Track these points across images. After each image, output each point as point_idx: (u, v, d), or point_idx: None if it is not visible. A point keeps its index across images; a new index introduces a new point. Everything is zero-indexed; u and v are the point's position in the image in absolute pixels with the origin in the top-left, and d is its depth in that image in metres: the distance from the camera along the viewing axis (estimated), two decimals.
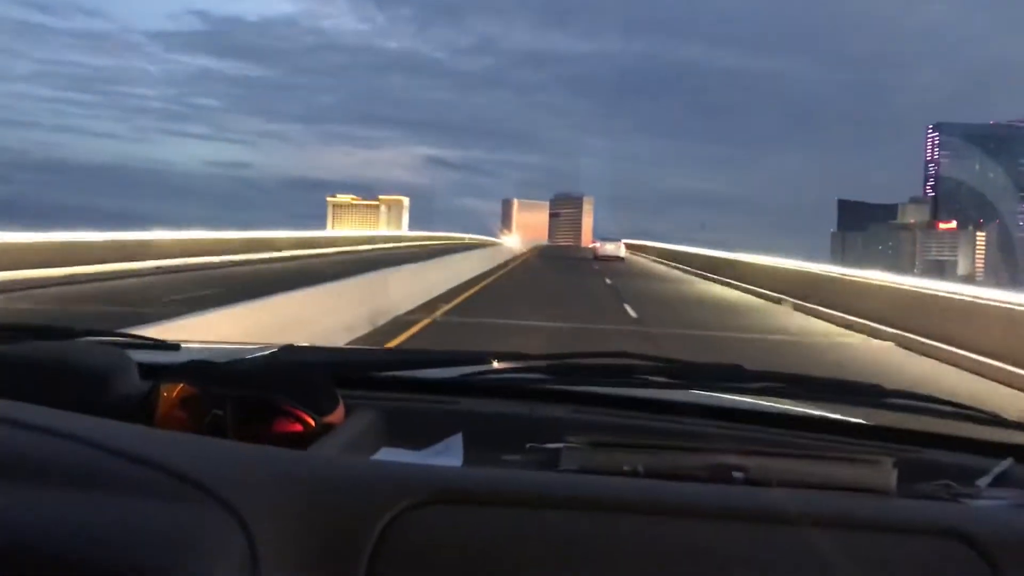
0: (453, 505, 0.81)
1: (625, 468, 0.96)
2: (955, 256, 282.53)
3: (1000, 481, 1.09)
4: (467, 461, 1.08)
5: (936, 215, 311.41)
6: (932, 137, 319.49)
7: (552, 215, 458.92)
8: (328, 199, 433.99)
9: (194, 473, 0.74)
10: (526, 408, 1.29)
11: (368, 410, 1.19)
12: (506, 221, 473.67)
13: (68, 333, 1.47)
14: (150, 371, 1.16)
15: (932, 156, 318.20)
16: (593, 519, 0.82)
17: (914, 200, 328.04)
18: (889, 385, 1.36)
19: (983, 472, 1.11)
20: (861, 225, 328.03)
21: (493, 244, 54.11)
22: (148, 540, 0.65)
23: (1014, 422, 1.32)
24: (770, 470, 0.96)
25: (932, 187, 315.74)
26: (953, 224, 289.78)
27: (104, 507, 0.67)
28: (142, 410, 1.04)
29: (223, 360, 1.23)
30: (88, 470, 0.71)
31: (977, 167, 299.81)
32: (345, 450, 1.02)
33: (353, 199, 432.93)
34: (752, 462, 0.97)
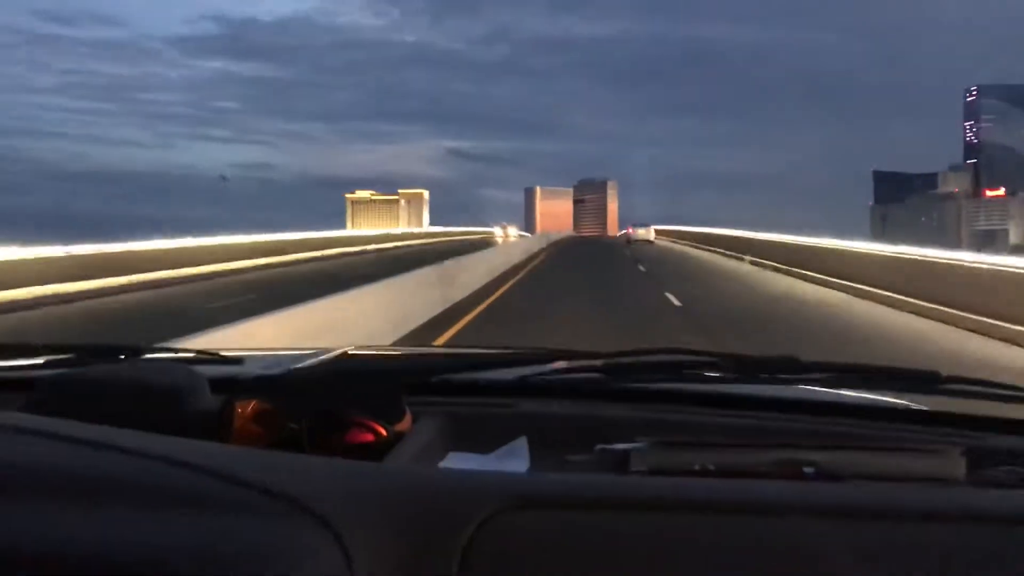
0: (533, 512, 0.82)
1: (696, 467, 0.98)
2: (1005, 225, 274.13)
3: None
4: (533, 464, 1.10)
5: (979, 183, 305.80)
6: (972, 100, 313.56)
7: (576, 202, 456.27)
8: (347, 196, 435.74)
9: (284, 488, 0.75)
10: (586, 408, 1.31)
11: (433, 416, 1.21)
12: (530, 211, 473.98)
13: (136, 351, 1.52)
14: (219, 386, 1.19)
15: (973, 121, 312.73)
16: (670, 520, 0.83)
17: (954, 168, 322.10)
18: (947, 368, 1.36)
19: None
20: (899, 197, 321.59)
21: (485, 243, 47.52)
22: (250, 557, 0.67)
23: None
24: (841, 463, 0.99)
25: (974, 153, 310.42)
26: (1001, 191, 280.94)
27: (204, 527, 0.69)
28: (217, 427, 1.06)
29: (286, 370, 1.30)
30: (183, 491, 0.73)
31: (1021, 131, 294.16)
32: (416, 458, 1.04)
33: (372, 195, 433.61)
34: (822, 456, 1.00)
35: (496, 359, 1.61)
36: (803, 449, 1.01)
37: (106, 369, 1.23)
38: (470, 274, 17.15)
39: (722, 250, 33.97)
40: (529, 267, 26.01)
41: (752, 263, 25.45)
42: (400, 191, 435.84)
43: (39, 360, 1.47)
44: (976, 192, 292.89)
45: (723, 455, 1.00)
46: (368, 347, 2.21)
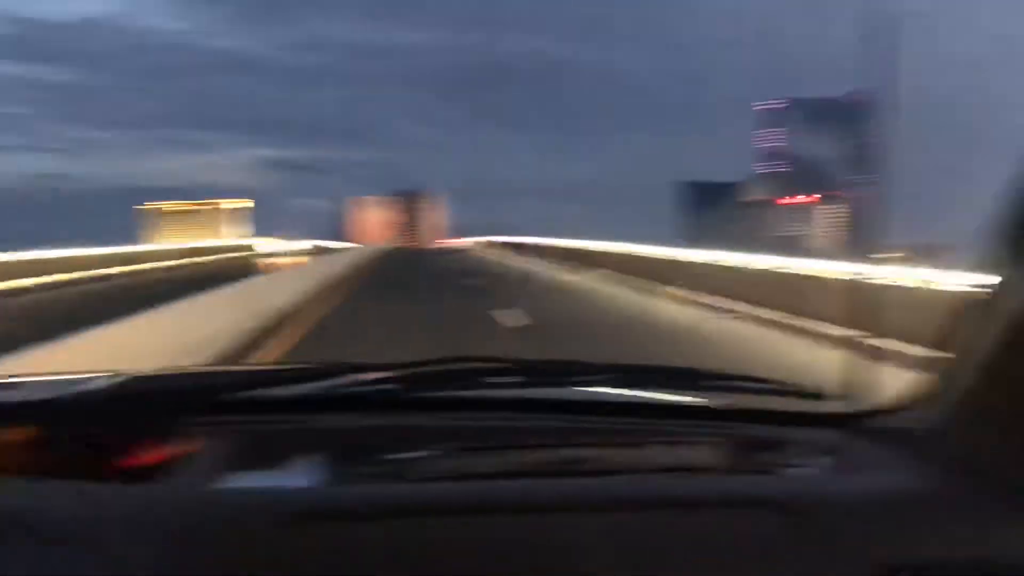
0: (310, 525, 0.86)
1: (476, 471, 1.08)
2: (804, 231, 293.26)
3: (818, 451, 1.22)
4: (324, 479, 1.13)
5: (780, 191, 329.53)
6: (764, 112, 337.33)
7: (397, 211, 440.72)
8: (146, 205, 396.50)
9: (45, 519, 0.76)
10: (379, 420, 1.34)
11: (220, 437, 1.20)
12: (348, 221, 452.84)
13: None
14: None
15: (767, 131, 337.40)
16: (445, 524, 0.90)
17: (751, 179, 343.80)
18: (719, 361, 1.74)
19: (802, 443, 1.24)
20: (708, 205, 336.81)
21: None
22: None
23: (826, 393, 1.45)
24: (610, 459, 1.12)
25: (773, 163, 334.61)
26: (797, 199, 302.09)
27: None
28: None
29: (65, 394, 1.22)
30: None
31: (813, 140, 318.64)
32: (200, 479, 1.04)
33: (176, 204, 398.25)
34: (592, 452, 1.12)
35: (291, 374, 1.57)
36: (576, 447, 1.12)
37: None
38: None
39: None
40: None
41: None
42: (208, 200, 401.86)
43: None
44: (771, 200, 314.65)
45: (504, 457, 1.11)
46: (165, 367, 2.24)
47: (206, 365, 5.90)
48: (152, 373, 1.80)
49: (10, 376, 1.65)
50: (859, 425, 1.29)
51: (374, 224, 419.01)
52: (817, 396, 1.45)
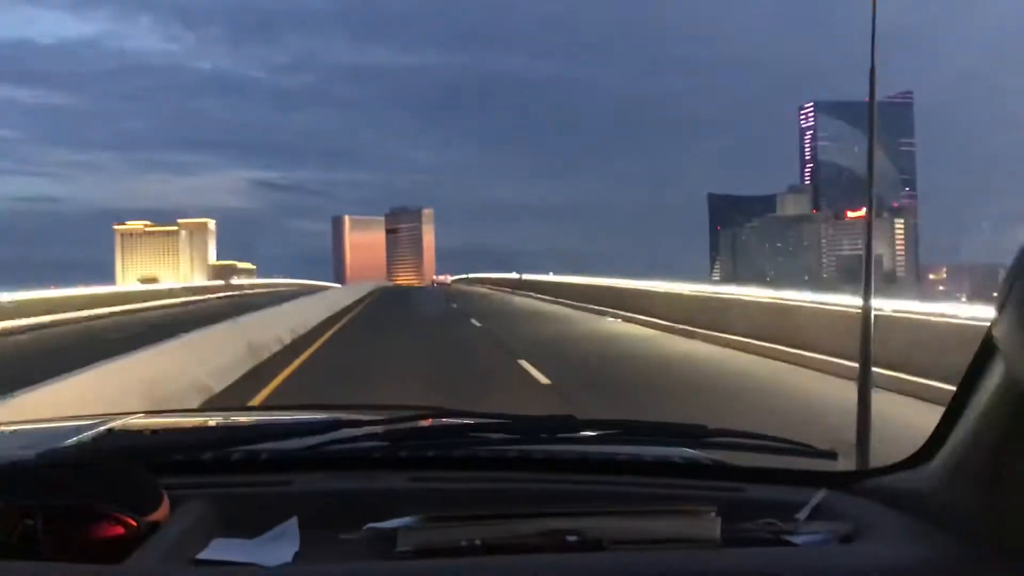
0: None
1: (463, 543, 1.07)
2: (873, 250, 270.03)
3: (816, 513, 1.26)
4: (304, 546, 1.14)
5: (816, 204, 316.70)
6: (807, 119, 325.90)
7: (389, 231, 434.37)
8: (116, 228, 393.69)
9: None
10: (363, 480, 1.36)
11: (196, 500, 1.22)
12: (338, 242, 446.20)
13: None
14: None
15: (808, 139, 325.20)
16: None
17: (793, 189, 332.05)
18: (711, 418, 1.58)
19: (801, 504, 1.27)
20: (738, 221, 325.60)
21: None
22: None
23: (825, 451, 1.47)
24: (602, 530, 1.11)
25: (810, 174, 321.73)
26: (862, 212, 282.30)
27: None
28: None
29: (35, 453, 1.22)
30: None
31: (856, 149, 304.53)
32: (171, 551, 1.04)
33: (147, 226, 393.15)
34: (584, 523, 1.11)
35: (275, 430, 1.56)
36: (567, 517, 1.12)
37: None
38: None
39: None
40: None
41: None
42: (180, 221, 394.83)
43: None
44: (839, 214, 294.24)
45: (489, 529, 1.09)
46: (152, 412, 2.35)
47: (189, 411, 5.49)
48: (129, 426, 1.78)
49: None
50: (859, 486, 1.33)
51: (365, 245, 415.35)
52: (819, 454, 1.46)
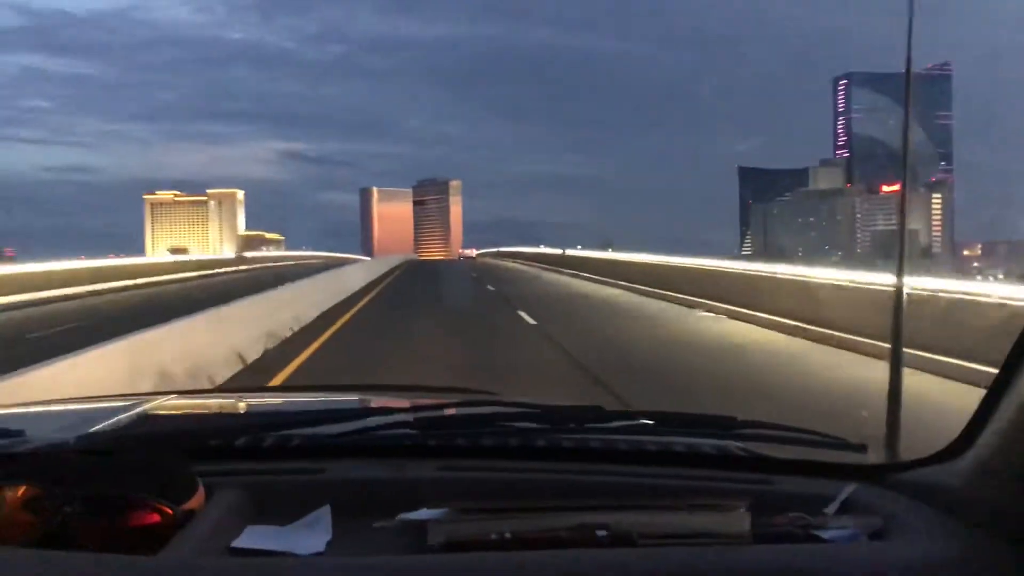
0: None
1: (492, 536, 1.07)
2: (908, 224, 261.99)
3: (846, 506, 1.25)
4: (336, 534, 1.15)
5: (850, 177, 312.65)
6: (841, 91, 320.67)
7: (416, 203, 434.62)
8: (146, 198, 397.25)
9: None
10: (394, 468, 1.36)
11: (230, 488, 1.23)
12: (366, 214, 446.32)
13: None
14: None
15: (842, 112, 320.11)
16: None
17: (825, 163, 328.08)
18: (741, 410, 1.54)
19: (831, 498, 1.26)
20: (768, 196, 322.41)
21: None
22: None
23: (856, 444, 1.45)
24: (632, 525, 1.10)
25: (844, 147, 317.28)
26: (897, 186, 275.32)
27: None
28: None
29: (72, 437, 1.25)
30: None
31: (891, 122, 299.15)
32: (207, 539, 1.06)
33: (176, 196, 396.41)
34: (614, 518, 1.11)
35: (308, 416, 1.54)
36: (597, 511, 1.12)
37: None
38: None
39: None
40: None
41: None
42: (209, 191, 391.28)
43: None
44: (874, 188, 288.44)
45: (520, 522, 1.09)
46: (183, 393, 2.36)
47: (220, 392, 5.36)
48: (162, 409, 1.78)
49: (14, 406, 1.59)
50: (889, 479, 1.32)
51: (393, 217, 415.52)
52: (851, 447, 1.43)
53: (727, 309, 17.24)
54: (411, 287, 32.11)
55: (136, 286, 35.69)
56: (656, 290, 22.78)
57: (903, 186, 7.56)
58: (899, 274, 5.87)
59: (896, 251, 6.23)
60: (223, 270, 54.58)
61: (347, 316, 17.82)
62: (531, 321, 16.75)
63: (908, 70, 6.72)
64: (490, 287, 29.58)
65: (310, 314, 16.77)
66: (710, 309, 18.10)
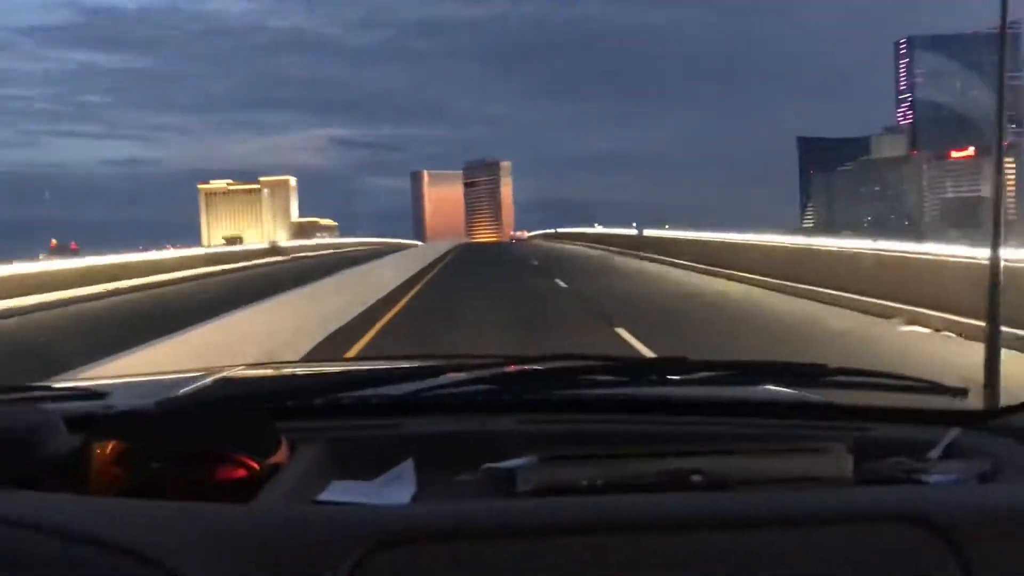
0: (411, 546, 0.86)
1: (583, 482, 1.04)
2: (978, 191, 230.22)
3: (949, 451, 1.21)
4: (420, 487, 1.14)
5: (915, 145, 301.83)
6: (903, 55, 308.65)
7: (467, 185, 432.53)
8: (200, 187, 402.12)
9: (133, 543, 0.77)
10: (475, 423, 1.35)
11: (313, 444, 1.23)
12: (417, 198, 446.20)
13: None
14: (79, 424, 1.18)
15: (905, 77, 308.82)
16: (556, 544, 0.88)
17: (889, 130, 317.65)
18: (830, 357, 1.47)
19: (932, 443, 1.22)
20: (828, 166, 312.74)
21: None
22: None
23: (955, 388, 1.40)
24: (727, 469, 1.07)
25: (908, 113, 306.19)
26: (970, 151, 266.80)
27: None
28: (75, 471, 1.06)
29: (154, 401, 1.27)
30: (23, 554, 0.73)
31: (958, 85, 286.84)
32: (292, 493, 1.06)
33: (229, 184, 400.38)
34: (708, 463, 1.07)
35: (384, 375, 1.57)
36: (690, 456, 1.08)
37: None
38: None
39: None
40: None
41: None
42: (261, 179, 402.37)
43: None
44: (942, 154, 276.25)
45: (610, 468, 1.06)
46: (258, 364, 2.43)
47: (294, 363, 5.72)
48: (239, 375, 1.82)
49: (98, 379, 1.55)
50: (996, 423, 1.28)
51: (444, 199, 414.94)
52: (950, 392, 1.39)
53: (948, 321, 10.72)
54: (458, 282, 25.88)
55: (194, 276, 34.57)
56: (796, 285, 15.59)
57: (997, 149, 4.99)
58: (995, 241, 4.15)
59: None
60: (239, 264, 44.83)
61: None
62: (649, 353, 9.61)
63: (1003, 26, 4.80)
64: (560, 282, 22.39)
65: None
66: (914, 319, 11.72)
